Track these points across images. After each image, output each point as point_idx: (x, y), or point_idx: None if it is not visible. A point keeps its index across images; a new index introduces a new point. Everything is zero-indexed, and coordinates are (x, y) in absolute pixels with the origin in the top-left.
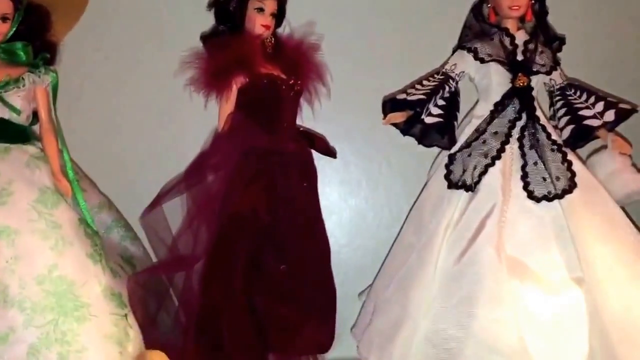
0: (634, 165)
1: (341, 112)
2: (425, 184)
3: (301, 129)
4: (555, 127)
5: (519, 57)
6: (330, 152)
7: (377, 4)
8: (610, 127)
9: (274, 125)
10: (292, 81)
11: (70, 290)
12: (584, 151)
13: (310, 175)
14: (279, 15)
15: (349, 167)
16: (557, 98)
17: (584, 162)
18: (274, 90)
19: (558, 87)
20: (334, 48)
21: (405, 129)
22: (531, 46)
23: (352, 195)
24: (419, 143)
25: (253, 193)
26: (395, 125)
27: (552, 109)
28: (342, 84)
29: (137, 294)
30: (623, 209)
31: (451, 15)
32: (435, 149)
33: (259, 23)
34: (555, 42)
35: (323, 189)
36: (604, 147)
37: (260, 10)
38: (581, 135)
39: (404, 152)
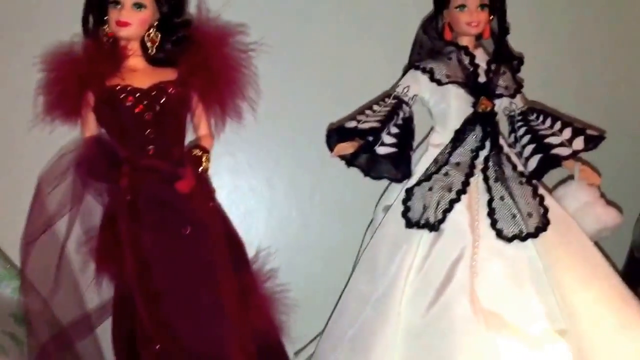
0: (602, 196)
1: (268, 133)
2: (372, 221)
3: (195, 152)
4: (518, 155)
5: (481, 79)
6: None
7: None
8: (580, 154)
9: (135, 152)
10: (173, 91)
11: None
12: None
13: (195, 217)
14: (171, 5)
15: (277, 196)
16: (520, 124)
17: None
18: (121, 107)
19: (519, 111)
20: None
21: (350, 159)
22: (494, 66)
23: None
24: (366, 175)
25: (105, 253)
26: (340, 156)
27: (512, 135)
28: (274, 97)
29: None
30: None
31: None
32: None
33: (113, 20)
34: (514, 61)
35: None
36: (570, 177)
37: (115, 3)
38: (550, 165)
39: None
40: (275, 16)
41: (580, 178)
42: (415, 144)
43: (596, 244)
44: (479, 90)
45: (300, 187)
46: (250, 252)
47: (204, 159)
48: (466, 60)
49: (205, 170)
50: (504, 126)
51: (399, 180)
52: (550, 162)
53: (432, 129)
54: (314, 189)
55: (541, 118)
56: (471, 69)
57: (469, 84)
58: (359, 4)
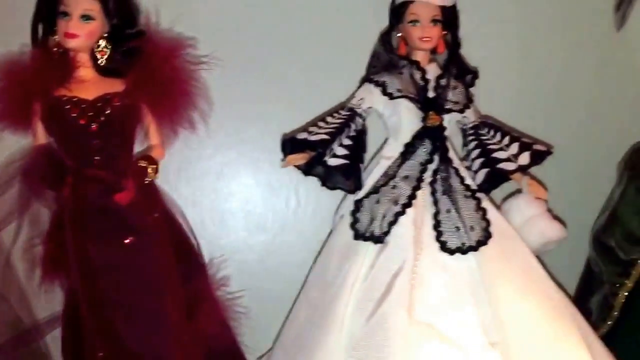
0: (549, 210)
1: (219, 144)
2: (331, 230)
3: (141, 163)
4: (468, 168)
5: (431, 94)
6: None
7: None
8: (527, 169)
9: (80, 162)
10: (118, 103)
11: None
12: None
13: (139, 227)
14: (121, 17)
15: (254, 200)
16: (470, 138)
17: (498, 207)
18: (67, 118)
19: (471, 125)
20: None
21: (307, 169)
22: (443, 82)
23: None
24: (323, 184)
25: (51, 261)
26: (297, 165)
27: (464, 149)
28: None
29: None
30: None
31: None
32: None
33: (62, 31)
34: (468, 76)
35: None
36: (519, 191)
37: (64, 14)
38: (496, 179)
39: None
40: (225, 29)
41: (527, 192)
42: (371, 155)
43: (558, 256)
44: (429, 104)
45: (257, 195)
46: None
47: (149, 170)
48: (417, 75)
49: (151, 180)
50: (460, 139)
51: (352, 192)
52: (495, 176)
53: (385, 141)
54: (269, 199)
55: (491, 132)
56: (422, 84)
57: (419, 98)
58: (310, 15)
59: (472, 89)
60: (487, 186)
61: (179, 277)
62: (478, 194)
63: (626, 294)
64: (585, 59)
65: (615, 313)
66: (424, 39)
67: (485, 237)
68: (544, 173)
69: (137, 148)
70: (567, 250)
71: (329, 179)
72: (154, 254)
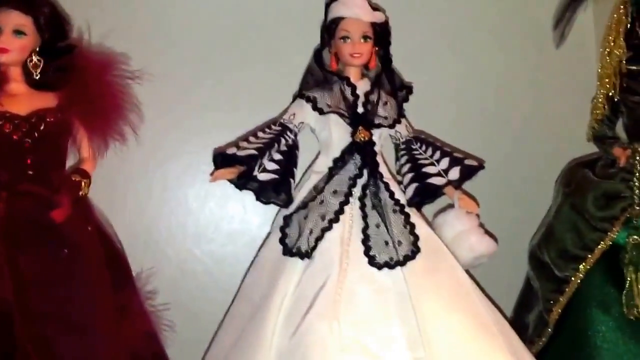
0: (481, 225)
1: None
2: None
3: (74, 177)
4: (400, 183)
5: (360, 109)
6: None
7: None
8: (457, 184)
9: (14, 177)
10: (52, 119)
11: None
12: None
13: (72, 240)
14: (52, 31)
15: (200, 211)
16: (402, 152)
17: (429, 222)
18: (0, 133)
19: (404, 140)
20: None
21: (240, 184)
22: (372, 97)
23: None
24: (257, 199)
25: None
26: (230, 180)
27: (397, 163)
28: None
29: None
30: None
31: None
32: None
33: None
34: (402, 91)
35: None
36: (451, 205)
37: None
38: (425, 194)
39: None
40: (156, 46)
41: (459, 206)
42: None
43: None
44: (358, 120)
45: (185, 208)
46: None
47: (83, 185)
48: (347, 90)
49: (85, 195)
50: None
51: (285, 206)
52: (425, 191)
53: (317, 155)
54: (215, 209)
55: (423, 147)
56: (351, 100)
57: (348, 114)
58: (246, 28)
59: (408, 104)
60: (417, 201)
61: (109, 289)
62: (407, 209)
63: (560, 310)
64: (522, 76)
65: (549, 330)
66: (354, 55)
67: (413, 252)
68: (489, 189)
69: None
70: (510, 266)
71: (262, 193)
72: (86, 265)
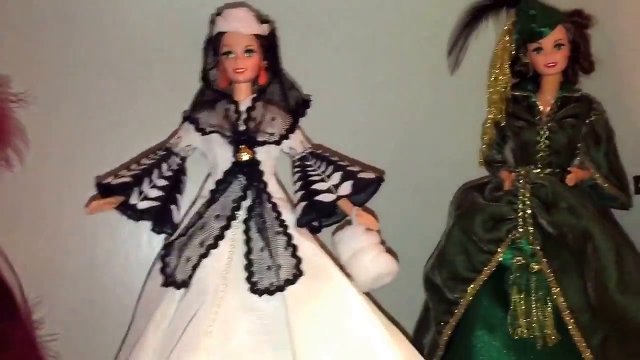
0: (383, 242)
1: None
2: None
3: None
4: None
5: (241, 127)
6: None
7: None
8: (357, 199)
9: None
10: None
11: None
12: None
13: None
14: None
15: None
16: (296, 170)
17: (322, 242)
18: None
19: (298, 157)
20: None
21: (124, 211)
22: (255, 114)
23: None
24: (152, 229)
25: None
26: (116, 208)
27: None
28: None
29: None
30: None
31: None
32: None
33: None
34: (298, 105)
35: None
36: (349, 222)
37: None
38: (315, 212)
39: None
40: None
41: (357, 223)
42: None
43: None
44: (239, 138)
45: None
46: None
47: None
48: (231, 108)
49: None
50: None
51: (170, 234)
52: (312, 209)
53: (207, 177)
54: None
55: (318, 163)
56: (235, 117)
57: (229, 133)
58: (134, 48)
59: (310, 118)
60: (307, 220)
61: None
62: (291, 230)
63: (450, 332)
64: (421, 98)
65: (440, 352)
66: (238, 71)
67: (295, 276)
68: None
69: None
70: (417, 285)
71: (156, 223)
72: None
